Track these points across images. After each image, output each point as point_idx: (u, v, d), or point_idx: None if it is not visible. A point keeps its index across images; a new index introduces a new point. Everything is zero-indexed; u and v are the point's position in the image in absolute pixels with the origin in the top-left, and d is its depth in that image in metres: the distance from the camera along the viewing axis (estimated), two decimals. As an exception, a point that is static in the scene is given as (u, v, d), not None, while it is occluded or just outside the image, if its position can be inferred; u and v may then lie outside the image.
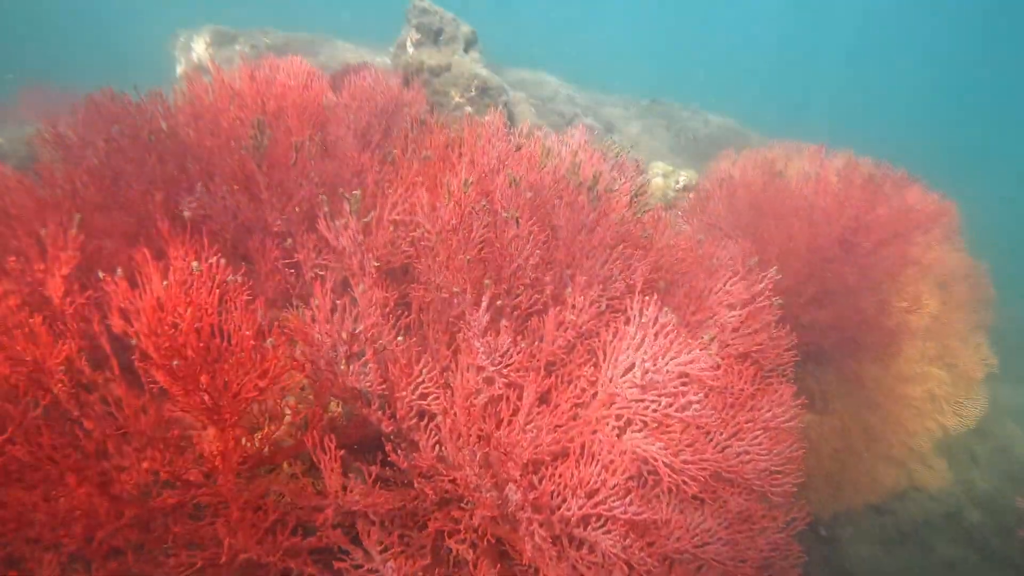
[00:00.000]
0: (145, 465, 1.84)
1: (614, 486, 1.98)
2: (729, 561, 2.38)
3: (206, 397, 1.84)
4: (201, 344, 1.80)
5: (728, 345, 2.61)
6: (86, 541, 1.81)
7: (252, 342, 1.89)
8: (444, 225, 2.47)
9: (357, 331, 2.19)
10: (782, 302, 2.88)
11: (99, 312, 1.97)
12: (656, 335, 2.09)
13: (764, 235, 4.17)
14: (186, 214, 2.61)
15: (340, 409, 2.55)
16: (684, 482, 2.11)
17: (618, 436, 2.15)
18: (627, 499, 1.99)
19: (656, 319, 2.06)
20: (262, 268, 2.74)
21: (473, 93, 4.65)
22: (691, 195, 4.84)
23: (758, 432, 2.31)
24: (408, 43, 5.31)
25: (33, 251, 2.15)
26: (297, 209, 2.79)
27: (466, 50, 5.32)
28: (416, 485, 2.18)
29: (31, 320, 1.82)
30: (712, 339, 1.96)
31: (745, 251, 3.01)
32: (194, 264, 1.81)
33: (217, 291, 1.83)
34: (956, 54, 43.59)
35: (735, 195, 4.37)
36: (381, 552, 1.98)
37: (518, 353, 2.17)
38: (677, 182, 5.16)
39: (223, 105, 3.27)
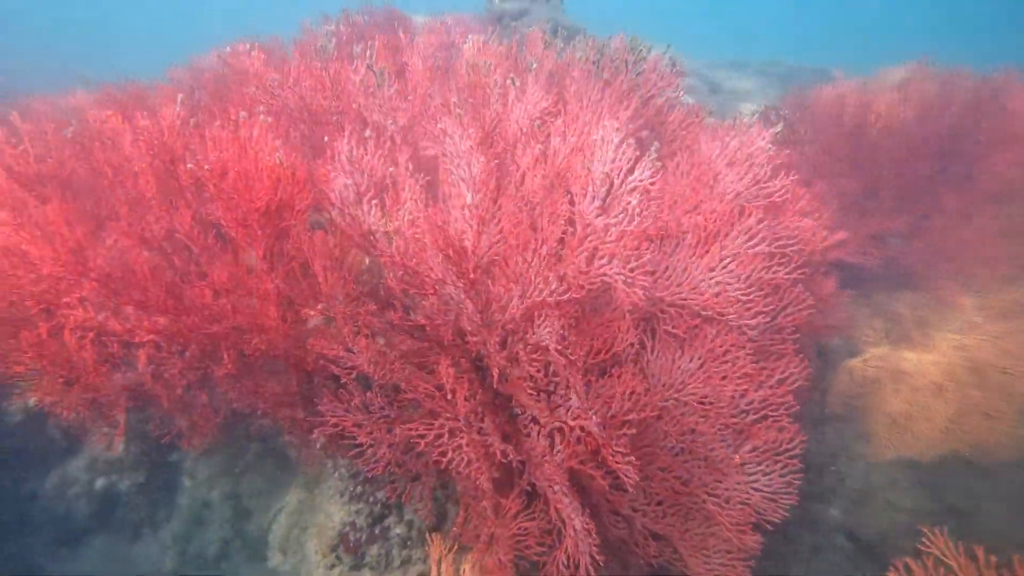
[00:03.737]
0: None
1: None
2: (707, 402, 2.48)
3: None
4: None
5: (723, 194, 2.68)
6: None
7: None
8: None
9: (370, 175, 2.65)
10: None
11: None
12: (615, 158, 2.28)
13: (833, 147, 4.03)
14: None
15: (367, 261, 3.01)
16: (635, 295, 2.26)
17: (587, 263, 2.37)
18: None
19: (612, 138, 2.26)
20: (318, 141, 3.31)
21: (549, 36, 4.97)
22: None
23: (727, 260, 2.39)
24: (494, -2, 5.82)
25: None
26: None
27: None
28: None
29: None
30: (655, 150, 2.12)
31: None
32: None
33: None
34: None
35: (809, 110, 4.25)
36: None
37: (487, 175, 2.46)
38: (755, 114, 5.06)
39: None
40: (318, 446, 3.30)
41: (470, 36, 4.08)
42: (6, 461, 3.92)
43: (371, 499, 3.27)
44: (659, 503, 2.67)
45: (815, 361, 4.07)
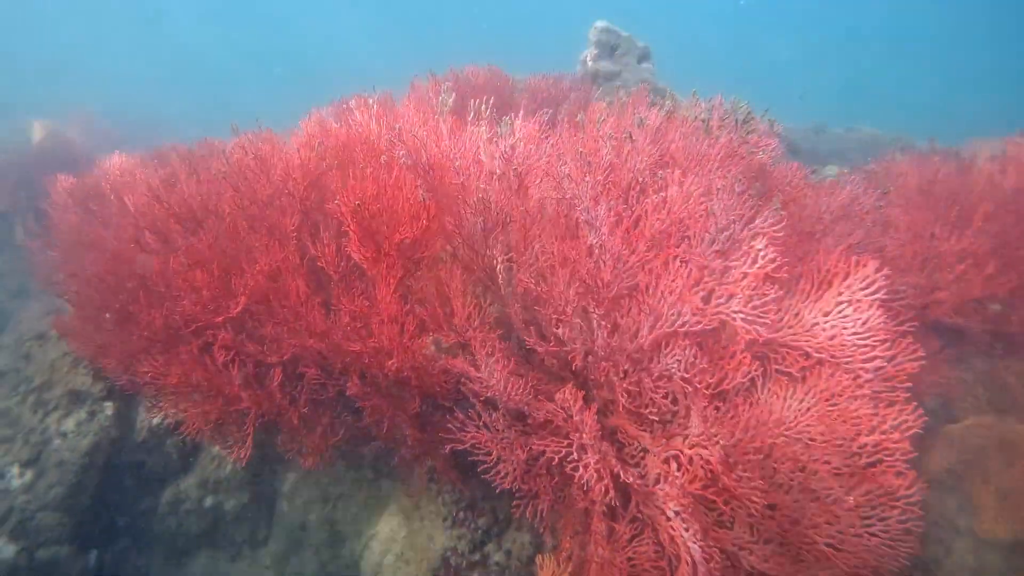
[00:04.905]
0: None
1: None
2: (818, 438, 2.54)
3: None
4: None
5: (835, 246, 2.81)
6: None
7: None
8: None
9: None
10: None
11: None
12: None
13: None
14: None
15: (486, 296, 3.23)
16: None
17: (703, 302, 2.52)
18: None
19: (733, 187, 2.44)
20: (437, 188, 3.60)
21: (652, 96, 5.30)
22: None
23: (844, 304, 2.50)
24: (588, 58, 6.18)
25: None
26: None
27: (639, 62, 6.02)
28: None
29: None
30: (778, 200, 2.28)
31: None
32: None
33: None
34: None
35: (898, 176, 4.34)
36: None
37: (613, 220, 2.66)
38: (841, 176, 5.16)
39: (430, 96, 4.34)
40: (425, 470, 3.47)
41: (571, 94, 4.39)
42: (129, 477, 4.22)
43: (472, 525, 3.39)
44: (767, 542, 2.71)
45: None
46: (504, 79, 4.46)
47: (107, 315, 3.44)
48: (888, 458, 2.52)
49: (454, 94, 3.75)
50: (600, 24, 6.26)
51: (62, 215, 4.92)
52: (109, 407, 4.29)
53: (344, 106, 4.52)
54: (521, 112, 4.08)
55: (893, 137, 8.43)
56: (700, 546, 2.29)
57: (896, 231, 4.00)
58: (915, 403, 3.81)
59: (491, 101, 3.75)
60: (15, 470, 4.00)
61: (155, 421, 4.25)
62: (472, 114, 3.67)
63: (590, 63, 6.12)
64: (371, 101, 4.31)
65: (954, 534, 3.62)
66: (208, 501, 4.22)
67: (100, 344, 3.54)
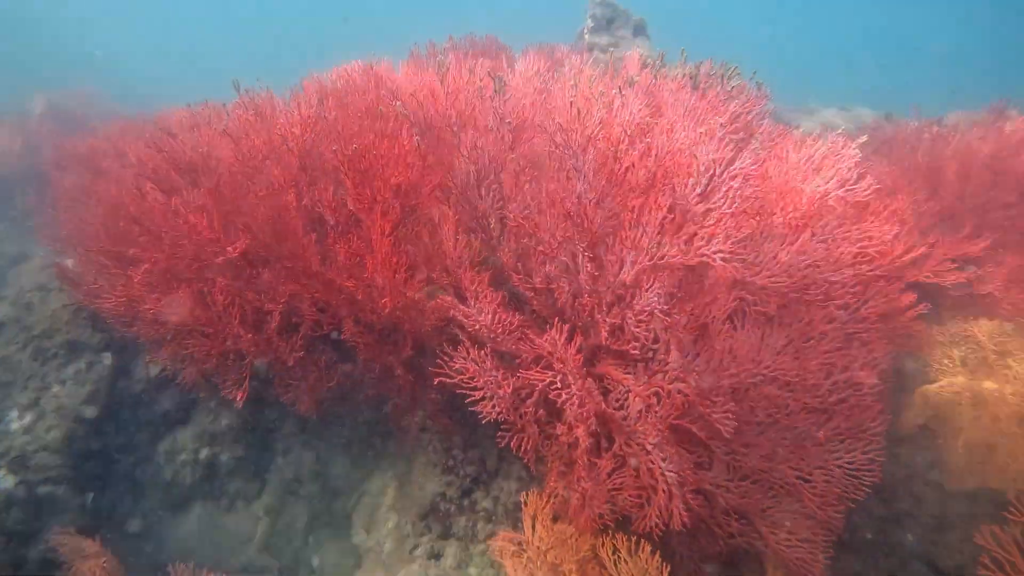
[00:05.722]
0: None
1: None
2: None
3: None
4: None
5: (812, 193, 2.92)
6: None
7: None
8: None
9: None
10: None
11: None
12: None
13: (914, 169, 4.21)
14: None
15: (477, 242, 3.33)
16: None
17: (685, 243, 2.62)
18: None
19: (716, 133, 2.55)
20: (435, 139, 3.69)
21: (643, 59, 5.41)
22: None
23: (818, 242, 2.61)
24: (585, 31, 6.28)
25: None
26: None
27: (635, 35, 6.12)
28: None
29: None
30: (757, 140, 2.39)
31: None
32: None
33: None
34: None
35: (883, 143, 4.47)
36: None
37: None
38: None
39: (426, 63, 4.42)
40: (416, 419, 3.58)
41: (567, 59, 4.48)
42: (126, 426, 4.32)
43: (461, 472, 3.50)
44: (742, 479, 2.83)
45: (891, 380, 4.16)
46: (501, 47, 4.55)
47: (108, 260, 3.54)
48: (857, 393, 2.64)
49: (451, 55, 3.85)
50: (595, -2, 6.38)
51: (64, 176, 5.02)
52: (108, 357, 4.38)
53: (344, 69, 4.61)
54: (516, 78, 4.19)
55: (877, 115, 8.57)
56: (675, 473, 2.40)
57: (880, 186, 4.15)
58: (892, 356, 3.96)
59: (487, 63, 3.85)
60: (14, 413, 4.09)
61: (153, 372, 4.35)
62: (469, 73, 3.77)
63: (587, 36, 6.22)
64: (372, 64, 4.41)
65: (924, 487, 3.76)
66: (204, 453, 4.32)
67: (102, 290, 3.63)
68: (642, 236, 2.39)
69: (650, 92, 3.46)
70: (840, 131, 3.32)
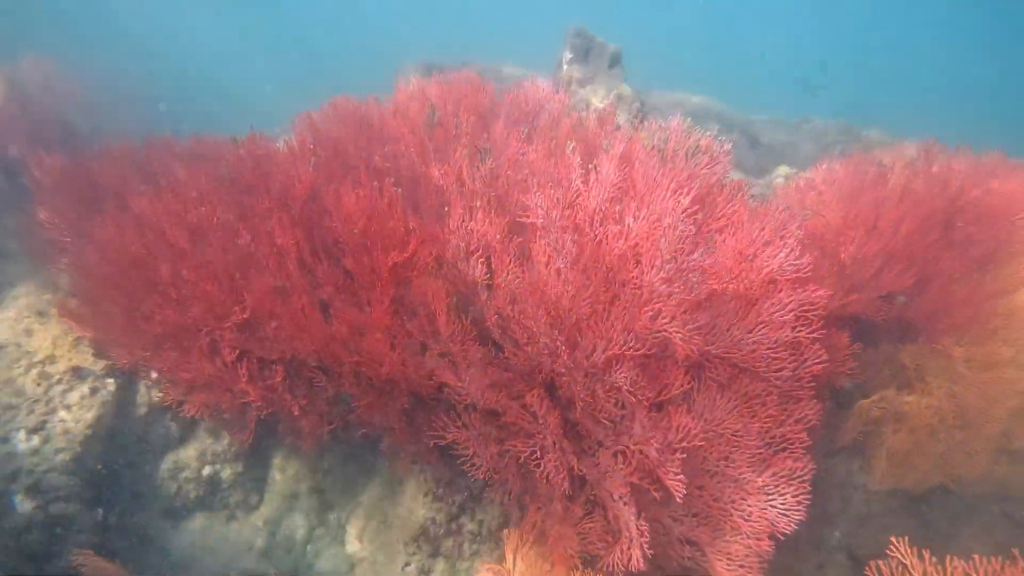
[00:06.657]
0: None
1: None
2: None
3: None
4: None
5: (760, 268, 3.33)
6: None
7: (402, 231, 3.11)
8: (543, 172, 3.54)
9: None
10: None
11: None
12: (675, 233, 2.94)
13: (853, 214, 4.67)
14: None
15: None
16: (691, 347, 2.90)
17: (651, 321, 3.02)
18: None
19: (677, 225, 2.92)
20: (424, 205, 4.00)
21: (611, 100, 5.71)
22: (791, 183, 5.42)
23: (762, 325, 3.03)
24: (564, 61, 6.53)
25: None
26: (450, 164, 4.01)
27: (610, 66, 6.40)
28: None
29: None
30: (710, 239, 2.78)
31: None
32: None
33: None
34: None
35: (834, 183, 4.91)
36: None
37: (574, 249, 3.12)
38: (788, 178, 5.73)
39: (413, 104, 4.67)
40: (408, 454, 3.97)
41: (547, 105, 4.77)
42: (131, 446, 4.62)
43: (450, 500, 3.92)
44: (695, 515, 3.31)
45: (830, 402, 4.70)
46: (485, 90, 4.78)
47: (116, 311, 3.79)
48: (791, 446, 3.12)
49: (437, 113, 4.12)
50: (573, 28, 6.58)
51: (52, 198, 5.12)
52: (111, 383, 4.64)
53: (335, 107, 4.82)
54: (500, 125, 4.46)
55: (841, 128, 9.06)
56: (636, 524, 2.85)
57: (823, 239, 4.61)
58: (825, 390, 4.47)
59: (471, 120, 4.14)
60: (21, 435, 4.35)
61: (155, 399, 4.64)
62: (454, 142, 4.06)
63: (565, 67, 6.46)
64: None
65: (852, 490, 4.38)
66: (206, 471, 4.66)
67: (109, 335, 3.89)
68: (611, 327, 2.78)
69: (624, 157, 3.80)
70: (788, 176, 3.73)
